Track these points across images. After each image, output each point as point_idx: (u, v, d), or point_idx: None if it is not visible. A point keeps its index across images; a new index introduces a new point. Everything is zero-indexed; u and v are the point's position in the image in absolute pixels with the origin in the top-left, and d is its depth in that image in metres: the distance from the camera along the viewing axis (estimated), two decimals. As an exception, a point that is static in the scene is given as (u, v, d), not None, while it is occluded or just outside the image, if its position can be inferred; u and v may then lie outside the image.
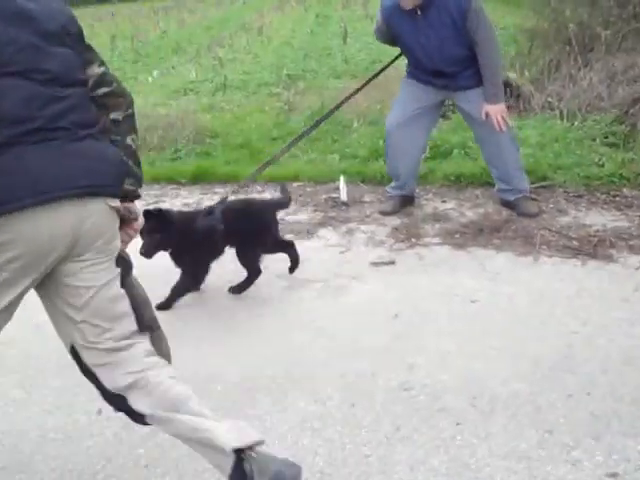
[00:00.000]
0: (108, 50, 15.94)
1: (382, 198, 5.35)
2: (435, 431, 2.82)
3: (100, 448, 2.93)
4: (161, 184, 6.15)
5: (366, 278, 4.22)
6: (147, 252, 3.91)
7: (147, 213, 3.86)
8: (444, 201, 5.31)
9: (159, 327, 2.64)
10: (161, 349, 2.58)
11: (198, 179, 6.17)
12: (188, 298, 4.11)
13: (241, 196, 4.91)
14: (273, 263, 4.45)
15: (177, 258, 4.05)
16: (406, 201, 5.18)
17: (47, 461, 2.88)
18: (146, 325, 2.49)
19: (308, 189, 5.74)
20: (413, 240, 4.67)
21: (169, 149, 6.93)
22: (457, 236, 4.70)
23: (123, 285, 2.38)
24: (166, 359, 2.56)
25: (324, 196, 5.55)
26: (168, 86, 10.88)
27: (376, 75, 5.28)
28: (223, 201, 4.22)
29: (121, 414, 2.72)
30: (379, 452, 2.73)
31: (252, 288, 4.17)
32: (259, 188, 5.91)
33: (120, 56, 15.34)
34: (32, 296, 3.77)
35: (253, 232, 4.09)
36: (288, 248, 4.29)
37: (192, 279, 4.09)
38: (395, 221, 4.98)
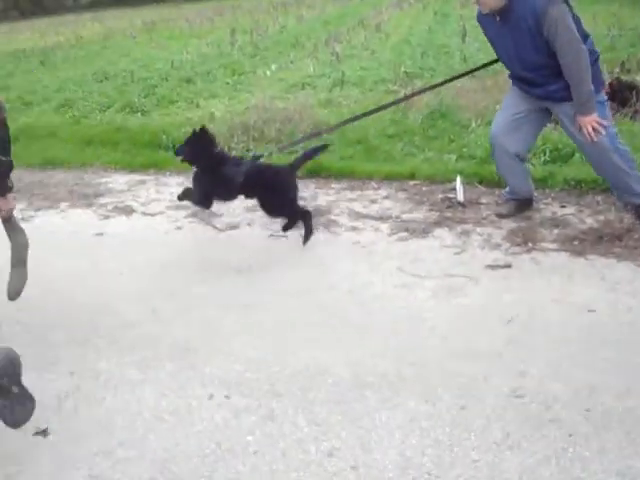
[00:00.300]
0: (228, 44, 16.29)
1: (499, 200, 5.26)
2: (546, 441, 2.76)
3: (210, 432, 3.00)
4: (277, 177, 6.23)
5: (481, 280, 4.16)
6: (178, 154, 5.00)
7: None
8: (563, 206, 5.16)
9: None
10: None
11: (314, 173, 6.21)
12: (302, 292, 4.17)
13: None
14: (386, 261, 4.46)
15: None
16: (523, 204, 5.06)
17: (159, 441, 2.98)
18: None
19: (424, 188, 5.70)
20: (530, 244, 4.57)
21: (286, 142, 7.01)
22: (576, 243, 4.56)
23: None
24: None
25: (440, 196, 5.50)
26: (286, 80, 11.03)
27: (450, 80, 5.28)
28: (254, 159, 4.95)
29: (233, 400, 2.79)
30: (488, 458, 2.69)
31: (365, 284, 4.20)
32: (374, 185, 5.91)
33: (239, 50, 15.63)
34: (154, 283, 3.94)
35: (270, 191, 4.72)
36: (304, 217, 4.76)
37: (199, 201, 4.90)
38: (512, 224, 4.88)
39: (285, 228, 4.81)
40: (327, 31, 18.06)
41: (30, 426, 3.12)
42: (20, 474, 2.86)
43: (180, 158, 4.98)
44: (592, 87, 4.33)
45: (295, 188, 4.85)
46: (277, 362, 3.46)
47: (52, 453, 2.97)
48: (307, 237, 4.75)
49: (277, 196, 4.76)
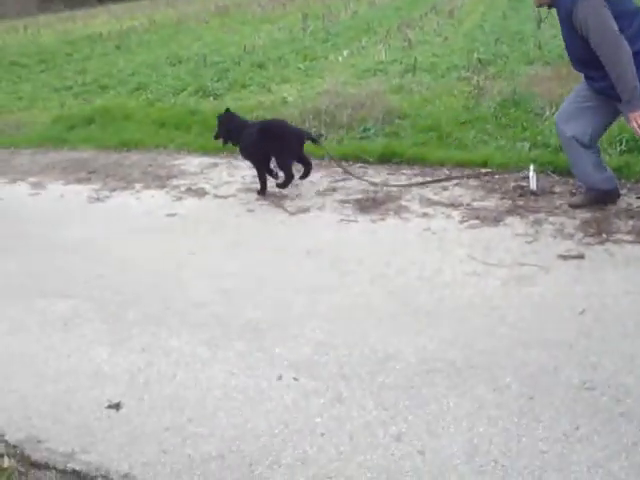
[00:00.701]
0: (300, 29, 16.32)
1: (573, 190, 5.17)
2: (616, 435, 2.71)
3: (279, 413, 3.03)
4: (349, 162, 6.24)
5: (553, 270, 4.09)
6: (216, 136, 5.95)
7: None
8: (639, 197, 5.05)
9: None
10: None
11: (385, 159, 6.20)
12: (372, 277, 4.19)
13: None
14: (457, 248, 4.44)
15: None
16: (602, 196, 4.92)
17: (228, 418, 3.03)
18: None
19: (496, 176, 5.63)
20: (604, 235, 4.47)
21: (358, 128, 7.02)
22: (651, 235, 4.45)
23: None
24: None
25: (513, 184, 5.42)
26: (357, 66, 11.01)
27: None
28: (263, 121, 6.14)
29: (302, 382, 2.82)
30: (556, 449, 2.66)
31: (435, 270, 4.18)
32: (446, 172, 5.87)
33: (311, 35, 15.66)
34: (225, 264, 3.98)
35: (281, 146, 5.49)
36: (306, 164, 5.61)
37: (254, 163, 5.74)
38: (586, 214, 4.78)
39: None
40: (399, 17, 17.93)
41: (104, 399, 3.22)
42: (93, 445, 2.94)
43: (221, 141, 5.93)
44: (637, 82, 4.15)
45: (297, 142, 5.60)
46: (346, 346, 3.47)
47: (124, 426, 3.05)
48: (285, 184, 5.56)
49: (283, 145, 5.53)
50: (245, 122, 5.92)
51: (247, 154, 5.74)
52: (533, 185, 5.19)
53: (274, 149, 5.52)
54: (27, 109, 10.87)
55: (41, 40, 22.40)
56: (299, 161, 5.60)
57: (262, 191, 5.66)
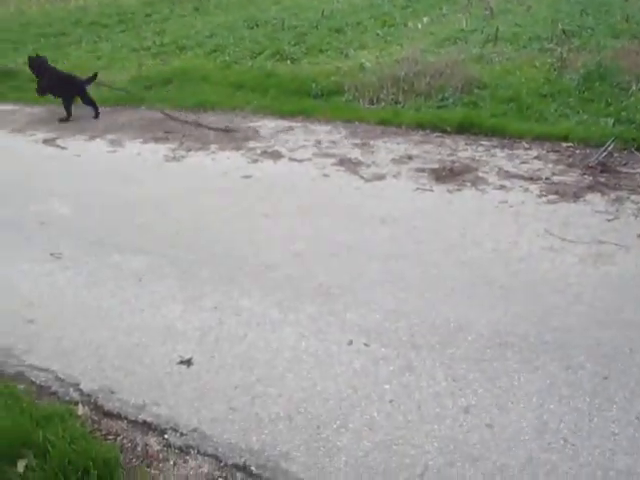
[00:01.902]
0: (379, -6, 16.07)
1: (657, 168, 5.01)
2: (693, 421, 2.64)
3: (347, 377, 3.04)
4: (426, 131, 6.17)
5: (632, 249, 3.98)
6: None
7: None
8: None
9: None
10: None
11: (463, 129, 6.10)
12: (446, 247, 4.14)
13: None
14: (534, 222, 4.35)
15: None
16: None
17: (297, 380, 3.05)
18: None
19: (577, 151, 5.49)
20: (688, 217, 4.34)
21: (436, 97, 6.92)
22: None
23: None
24: None
25: (594, 160, 5.28)
26: (437, 34, 10.79)
27: None
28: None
29: (372, 348, 2.80)
30: (628, 432, 2.61)
31: (511, 244, 4.11)
32: (525, 145, 5.75)
33: (390, 1, 15.39)
34: (298, 227, 3.98)
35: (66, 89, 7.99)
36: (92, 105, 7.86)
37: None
38: (670, 194, 4.64)
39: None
40: (481, -15, 17.52)
41: (175, 355, 3.28)
42: (163, 399, 3.00)
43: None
44: None
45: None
46: (417, 314, 3.46)
47: (194, 383, 3.10)
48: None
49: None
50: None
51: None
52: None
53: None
54: (106, 68, 10.95)
55: (121, 1, 22.60)
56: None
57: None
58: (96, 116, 7.76)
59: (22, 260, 4.45)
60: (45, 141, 7.09)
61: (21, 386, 3.22)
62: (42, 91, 8.31)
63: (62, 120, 7.81)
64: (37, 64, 8.33)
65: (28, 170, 6.26)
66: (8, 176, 6.13)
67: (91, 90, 8.03)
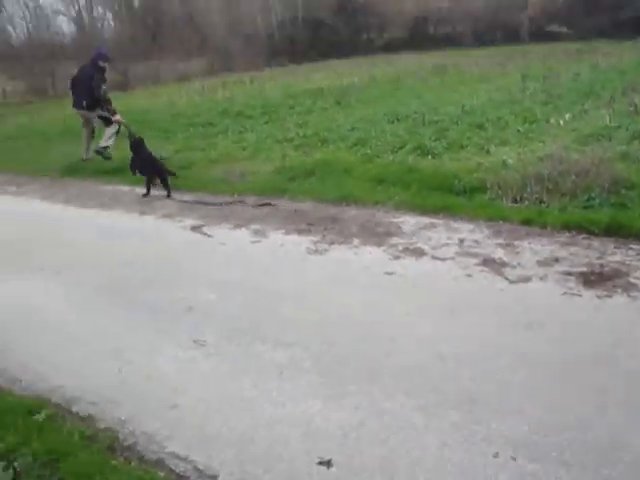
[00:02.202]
0: (519, 90, 16.10)
1: None
2: None
3: None
4: (572, 232, 6.01)
5: None
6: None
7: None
8: None
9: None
10: None
11: (611, 231, 5.90)
12: (598, 360, 3.97)
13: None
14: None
15: None
16: None
17: None
18: None
19: None
20: None
21: (581, 196, 6.75)
22: None
23: None
24: None
25: None
26: (580, 131, 10.64)
27: None
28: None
29: (519, 462, 2.66)
30: None
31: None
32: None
33: (531, 97, 15.36)
34: (442, 328, 3.87)
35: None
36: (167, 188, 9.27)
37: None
38: None
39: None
40: (624, 81, 17.22)
41: (315, 455, 3.25)
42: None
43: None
44: None
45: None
46: (568, 428, 3.31)
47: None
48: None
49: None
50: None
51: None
52: None
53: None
54: (251, 158, 11.41)
55: (265, 93, 23.62)
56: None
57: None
58: (168, 196, 9.11)
59: (168, 345, 4.59)
60: (193, 228, 7.39)
61: (161, 473, 3.28)
62: (132, 169, 9.75)
63: (144, 195, 9.25)
64: (136, 145, 9.48)
65: (176, 255, 6.53)
66: (158, 260, 6.41)
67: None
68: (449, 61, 30.71)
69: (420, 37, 55.00)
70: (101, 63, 11.85)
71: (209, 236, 7.02)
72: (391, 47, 52.18)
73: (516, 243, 5.80)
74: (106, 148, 12.05)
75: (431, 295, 5.00)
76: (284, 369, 4.11)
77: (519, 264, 5.41)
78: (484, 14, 49.41)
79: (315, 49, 50.67)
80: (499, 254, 5.65)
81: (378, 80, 24.15)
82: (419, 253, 5.85)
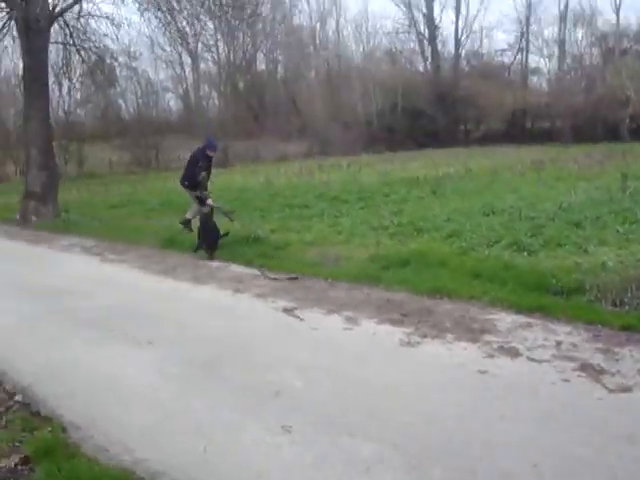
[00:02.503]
0: (618, 189, 15.79)
1: None
2: None
3: None
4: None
5: None
6: None
7: None
8: None
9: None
10: None
11: None
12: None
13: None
14: None
15: None
16: None
17: None
18: None
19: None
20: None
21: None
22: None
23: None
24: None
25: None
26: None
27: None
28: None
29: None
30: None
31: None
32: None
33: (631, 196, 15.04)
34: (537, 435, 3.68)
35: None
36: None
37: None
38: None
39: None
40: None
41: None
42: None
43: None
44: None
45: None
46: None
47: None
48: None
49: None
50: None
51: None
52: None
53: None
54: (345, 243, 11.49)
55: (362, 178, 23.90)
56: None
57: None
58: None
59: (254, 428, 4.57)
60: (285, 310, 7.42)
61: None
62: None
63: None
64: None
65: (267, 337, 6.57)
66: (248, 340, 6.46)
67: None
68: (546, 156, 30.58)
69: (518, 130, 55.15)
70: (209, 152, 12.52)
71: (301, 320, 7.04)
72: (488, 139, 52.42)
73: (616, 349, 5.60)
74: (189, 221, 12.97)
75: (526, 399, 4.83)
76: (371, 465, 4.01)
77: (619, 372, 5.20)
78: (584, 110, 49.29)
79: (412, 138, 51.33)
80: (598, 360, 5.46)
81: (474, 172, 24.15)
82: (514, 353, 5.70)
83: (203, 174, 11.89)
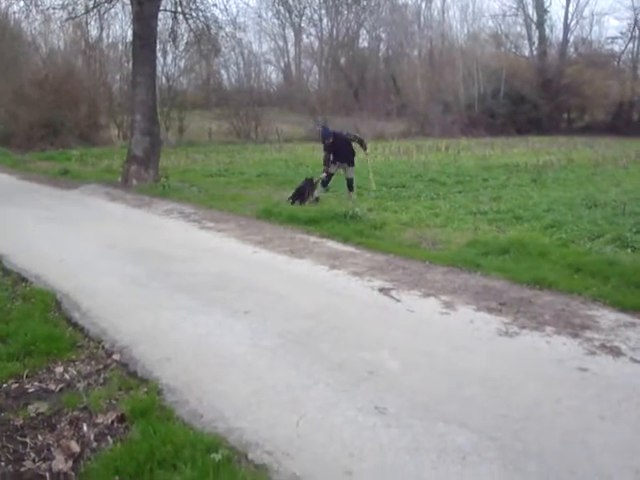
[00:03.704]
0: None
1: None
2: None
3: None
4: None
5: None
6: None
7: None
8: None
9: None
10: None
11: None
12: None
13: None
14: None
15: None
16: None
17: None
18: None
19: None
20: None
21: None
22: None
23: None
24: None
25: None
26: None
27: None
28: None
29: None
30: None
31: None
32: None
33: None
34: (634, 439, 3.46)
35: None
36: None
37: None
38: None
39: None
40: None
41: None
42: None
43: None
44: None
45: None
46: None
47: None
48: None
49: None
50: None
51: None
52: None
53: None
54: (442, 226, 11.37)
55: (460, 162, 23.61)
56: None
57: None
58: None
59: (347, 407, 4.56)
60: (381, 290, 7.39)
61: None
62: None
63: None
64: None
65: (362, 316, 6.54)
66: (343, 317, 6.45)
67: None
68: (654, 149, 29.46)
69: (623, 122, 53.44)
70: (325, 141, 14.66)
71: (397, 300, 6.99)
72: (591, 130, 51.01)
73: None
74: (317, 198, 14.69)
75: (628, 401, 4.66)
76: (466, 455, 3.96)
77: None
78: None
79: (513, 123, 50.36)
80: None
81: (576, 162, 23.57)
82: (616, 352, 5.51)
83: (324, 154, 14.70)
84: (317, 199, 14.37)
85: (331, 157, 14.55)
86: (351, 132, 15.90)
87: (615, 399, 4.69)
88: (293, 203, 14.03)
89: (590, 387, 4.89)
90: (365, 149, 14.90)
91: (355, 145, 14.86)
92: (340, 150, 14.51)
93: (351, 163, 14.73)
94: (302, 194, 14.22)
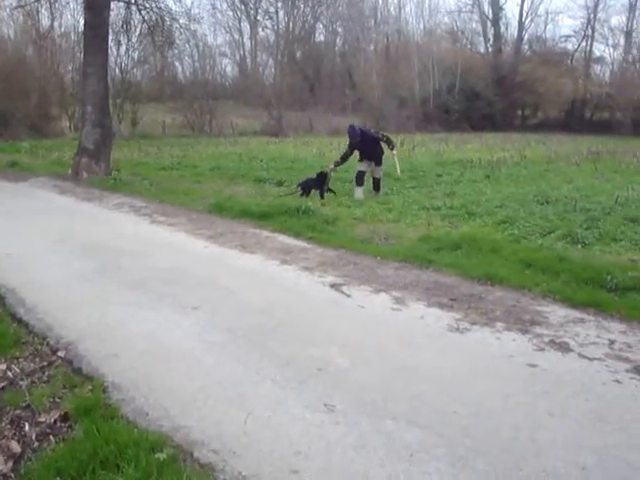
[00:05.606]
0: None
1: None
2: None
3: None
4: None
5: None
6: None
7: None
8: None
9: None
10: None
11: None
12: None
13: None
14: None
15: None
16: None
17: None
18: None
19: None
20: None
21: None
22: None
23: None
24: None
25: None
26: None
27: None
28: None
29: None
30: None
31: None
32: None
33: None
34: (584, 435, 3.47)
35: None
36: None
37: None
38: None
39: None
40: None
41: None
42: None
43: None
44: None
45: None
46: None
47: None
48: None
49: None
50: None
51: None
52: None
53: None
54: (395, 221, 11.38)
55: (415, 157, 23.68)
56: None
57: None
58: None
59: (295, 404, 4.50)
60: (332, 285, 7.35)
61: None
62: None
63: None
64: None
65: (313, 312, 6.48)
66: (293, 313, 6.39)
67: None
68: (604, 148, 29.99)
69: (576, 120, 54.28)
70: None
71: (348, 296, 6.95)
72: (545, 127, 51.74)
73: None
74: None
75: (576, 397, 4.67)
76: (414, 453, 3.92)
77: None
78: (646, 103, 48.25)
79: (468, 120, 50.82)
80: (653, 363, 5.29)
81: (529, 158, 23.83)
82: (565, 348, 5.54)
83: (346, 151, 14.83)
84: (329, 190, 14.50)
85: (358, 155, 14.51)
86: (379, 131, 15.54)
87: (563, 395, 4.70)
88: (302, 195, 14.09)
89: (539, 383, 4.90)
90: (392, 149, 14.56)
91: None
92: (368, 149, 14.32)
93: (379, 162, 14.57)
94: (321, 184, 14.17)
